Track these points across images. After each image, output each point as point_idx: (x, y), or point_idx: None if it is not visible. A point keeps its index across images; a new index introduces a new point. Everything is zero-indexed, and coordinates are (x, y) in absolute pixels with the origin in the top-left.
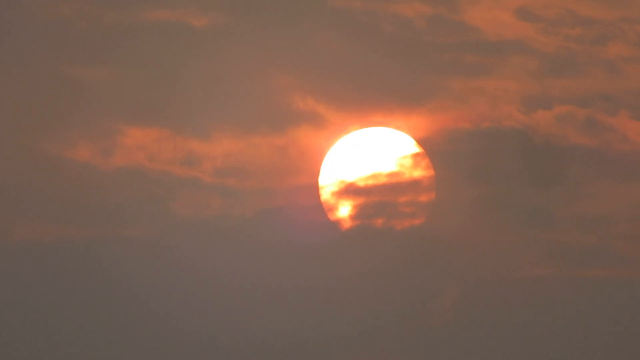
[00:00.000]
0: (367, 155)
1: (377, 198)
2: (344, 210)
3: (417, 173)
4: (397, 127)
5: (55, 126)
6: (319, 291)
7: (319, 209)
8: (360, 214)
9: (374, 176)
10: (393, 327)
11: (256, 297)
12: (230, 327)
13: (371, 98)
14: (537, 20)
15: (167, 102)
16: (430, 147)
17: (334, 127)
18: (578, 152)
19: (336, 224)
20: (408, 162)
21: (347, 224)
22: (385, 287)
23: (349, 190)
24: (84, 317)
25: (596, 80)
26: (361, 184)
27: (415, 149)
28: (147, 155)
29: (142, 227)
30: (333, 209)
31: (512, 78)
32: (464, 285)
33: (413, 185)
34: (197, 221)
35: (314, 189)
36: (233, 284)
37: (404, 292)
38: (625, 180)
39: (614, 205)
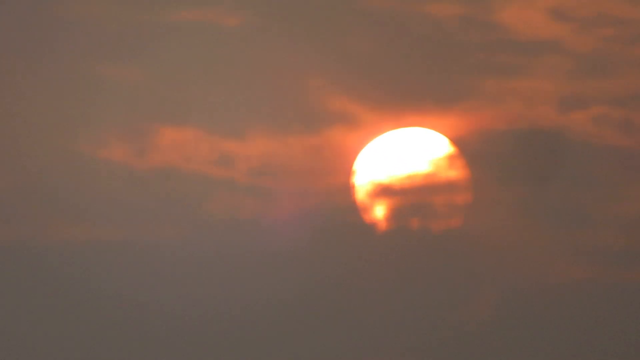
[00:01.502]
0: (401, 155)
1: (412, 199)
2: (379, 211)
3: (453, 174)
4: (432, 128)
5: (90, 126)
6: (352, 292)
7: (354, 210)
8: (395, 215)
9: (409, 177)
10: (428, 329)
11: (290, 298)
12: (261, 329)
13: (405, 98)
14: (572, 20)
15: (201, 102)
16: (466, 148)
17: (368, 127)
18: (614, 153)
19: (371, 224)
20: (443, 162)
21: (382, 225)
22: (420, 288)
23: (383, 191)
24: (117, 319)
25: (632, 80)
26: (396, 184)
27: (450, 149)
28: (182, 155)
29: (176, 228)
30: (367, 209)
31: (547, 78)
32: (501, 287)
33: (449, 186)
34: (232, 222)
35: (348, 189)
36: (266, 284)
37: (439, 294)
38: None
39: None
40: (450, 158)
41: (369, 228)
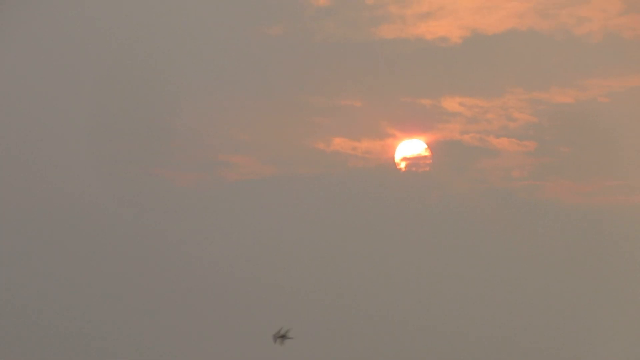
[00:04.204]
0: (408, 148)
1: (413, 160)
2: (402, 165)
3: (426, 154)
4: (418, 138)
5: (317, 131)
6: (393, 199)
7: (394, 164)
8: (408, 165)
9: (412, 154)
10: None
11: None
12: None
13: (411, 129)
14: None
15: (356, 120)
16: (432, 146)
17: (398, 137)
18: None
19: (399, 169)
20: (423, 150)
21: (403, 169)
22: (410, 188)
23: (404, 159)
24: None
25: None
26: (408, 157)
27: (425, 146)
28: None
29: (334, 179)
30: (398, 164)
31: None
32: (446, 192)
33: (424, 158)
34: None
35: (394, 157)
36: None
37: (417, 191)
38: None
39: None
40: (425, 149)
41: (399, 170)
